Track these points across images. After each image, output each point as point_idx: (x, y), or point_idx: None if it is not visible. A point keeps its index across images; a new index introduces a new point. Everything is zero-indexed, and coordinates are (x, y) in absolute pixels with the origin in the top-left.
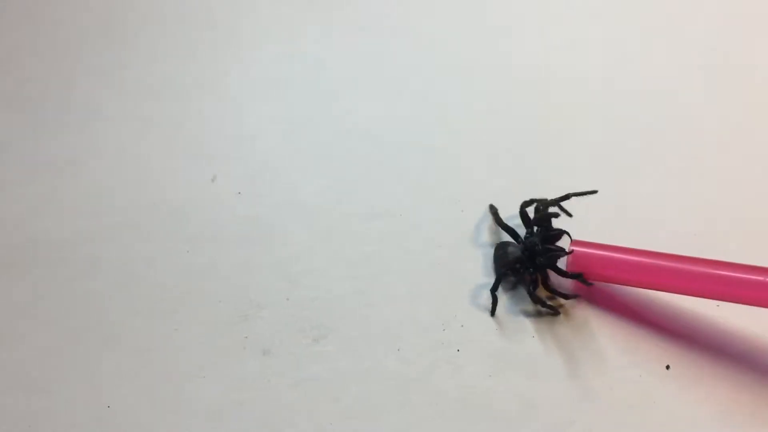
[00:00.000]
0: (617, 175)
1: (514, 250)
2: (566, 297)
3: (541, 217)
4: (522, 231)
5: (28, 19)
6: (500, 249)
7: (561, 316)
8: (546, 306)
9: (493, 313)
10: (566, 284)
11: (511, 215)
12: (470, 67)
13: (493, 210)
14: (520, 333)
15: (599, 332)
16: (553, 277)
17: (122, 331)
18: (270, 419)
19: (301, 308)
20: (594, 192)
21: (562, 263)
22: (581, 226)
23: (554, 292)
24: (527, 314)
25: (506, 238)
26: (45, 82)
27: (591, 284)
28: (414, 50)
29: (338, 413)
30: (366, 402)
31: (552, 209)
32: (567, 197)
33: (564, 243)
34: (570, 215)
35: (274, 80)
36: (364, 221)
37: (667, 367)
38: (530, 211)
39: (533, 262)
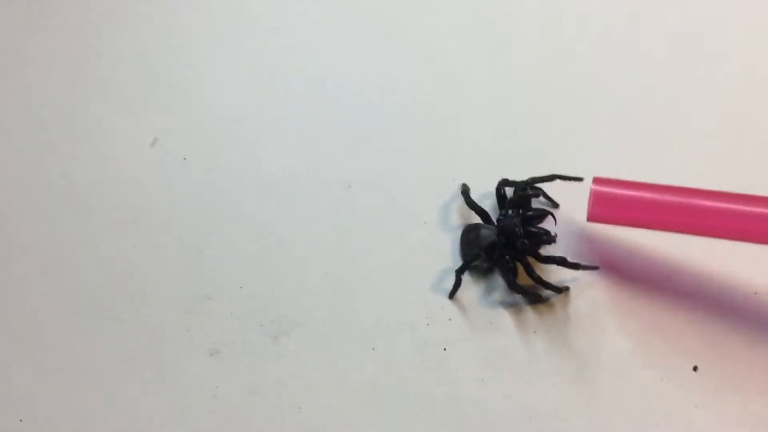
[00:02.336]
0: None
1: (488, 233)
2: (557, 290)
3: (519, 198)
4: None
5: None
6: (471, 232)
7: (567, 309)
8: (528, 295)
9: (451, 295)
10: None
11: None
12: (471, 18)
13: (465, 189)
14: (518, 329)
15: (612, 327)
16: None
17: (41, 325)
18: None
19: (258, 299)
20: (579, 179)
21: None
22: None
23: (541, 284)
24: (526, 306)
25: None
26: None
27: (578, 268)
28: None
29: (301, 426)
30: (335, 412)
31: (532, 191)
32: (551, 178)
33: (548, 225)
34: (555, 204)
35: (231, 17)
36: (336, 193)
37: (695, 369)
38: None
39: (512, 248)
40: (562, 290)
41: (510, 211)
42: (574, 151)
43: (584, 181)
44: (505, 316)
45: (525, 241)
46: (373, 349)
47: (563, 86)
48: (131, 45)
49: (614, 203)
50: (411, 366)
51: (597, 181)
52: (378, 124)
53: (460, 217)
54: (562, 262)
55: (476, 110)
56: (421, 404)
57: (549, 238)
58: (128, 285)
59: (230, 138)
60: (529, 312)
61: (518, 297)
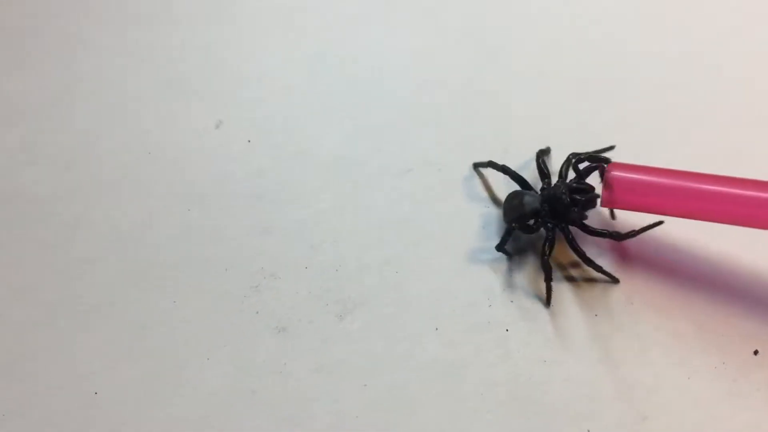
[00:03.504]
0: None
1: (532, 200)
2: (608, 275)
3: (575, 165)
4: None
5: None
6: (515, 198)
7: (629, 292)
8: (548, 285)
9: (499, 248)
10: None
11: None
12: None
13: (502, 166)
14: (580, 311)
15: (675, 311)
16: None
17: (111, 305)
18: (286, 409)
19: (323, 279)
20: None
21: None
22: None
23: (585, 260)
24: (590, 287)
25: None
26: (22, 7)
27: (631, 235)
28: None
29: (366, 403)
30: (399, 390)
31: (599, 156)
32: (597, 156)
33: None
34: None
35: (289, 7)
36: (397, 176)
37: (755, 353)
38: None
39: (556, 216)
40: (606, 274)
41: (555, 181)
42: (622, 127)
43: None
44: (566, 299)
45: (575, 209)
46: (436, 329)
47: (612, 62)
48: (195, 36)
49: (629, 188)
50: (473, 346)
51: (612, 166)
52: (437, 107)
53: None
54: (616, 236)
55: (529, 90)
56: (483, 384)
57: (595, 201)
58: (195, 264)
59: (291, 121)
60: (591, 294)
61: (582, 278)
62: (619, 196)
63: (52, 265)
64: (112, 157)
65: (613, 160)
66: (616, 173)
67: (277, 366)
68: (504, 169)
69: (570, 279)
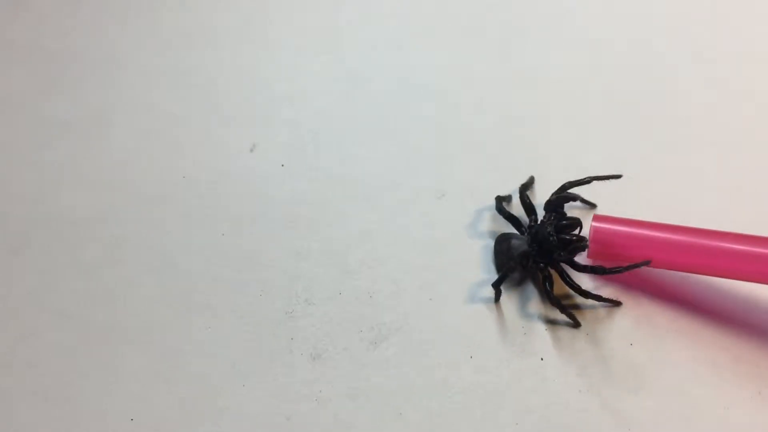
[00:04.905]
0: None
1: (519, 244)
2: (609, 301)
3: (555, 200)
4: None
5: None
6: (503, 242)
7: (665, 320)
8: (566, 312)
9: (496, 299)
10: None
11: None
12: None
13: (498, 199)
14: (616, 340)
15: (711, 341)
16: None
17: (148, 329)
18: None
19: (357, 304)
20: (618, 176)
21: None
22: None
23: (581, 293)
24: (623, 316)
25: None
26: (62, 29)
27: (616, 271)
28: None
29: (402, 431)
30: (435, 418)
31: (569, 193)
32: (588, 181)
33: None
34: (593, 205)
35: (324, 28)
36: (431, 201)
37: None
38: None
39: (545, 256)
40: (607, 300)
41: (541, 216)
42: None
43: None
44: (602, 327)
45: (561, 252)
46: (471, 357)
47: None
48: (230, 58)
49: (614, 241)
50: (508, 374)
51: (597, 218)
52: (475, 128)
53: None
54: (599, 270)
55: (559, 110)
56: (519, 412)
57: (584, 245)
58: (230, 288)
59: (326, 143)
60: (626, 323)
61: (613, 308)
62: (602, 250)
63: (88, 289)
64: (148, 181)
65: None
66: (599, 225)
67: (311, 392)
68: (499, 209)
69: (603, 308)
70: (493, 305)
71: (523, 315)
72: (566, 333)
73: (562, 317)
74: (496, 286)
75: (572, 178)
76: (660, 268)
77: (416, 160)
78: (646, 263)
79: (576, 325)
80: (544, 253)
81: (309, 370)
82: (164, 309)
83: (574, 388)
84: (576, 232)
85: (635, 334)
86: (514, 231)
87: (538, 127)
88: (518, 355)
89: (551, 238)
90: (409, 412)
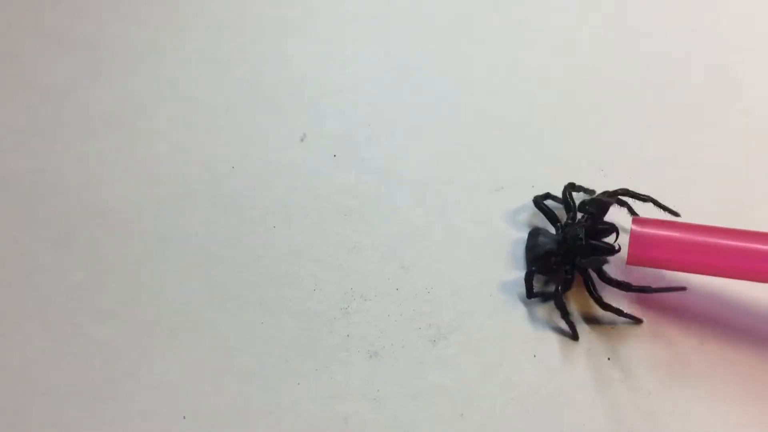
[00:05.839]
0: None
1: (546, 241)
2: (629, 317)
3: (592, 202)
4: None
5: None
6: (533, 237)
7: (738, 319)
8: (568, 322)
9: (528, 295)
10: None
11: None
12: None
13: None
14: (685, 338)
15: None
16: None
17: (198, 325)
18: None
19: (415, 301)
20: (676, 214)
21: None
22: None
23: (609, 309)
24: (693, 316)
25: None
26: (104, 18)
27: (644, 290)
28: None
29: None
30: (498, 420)
31: (609, 199)
32: (623, 193)
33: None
34: (634, 213)
35: (375, 15)
36: (488, 194)
37: None
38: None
39: (570, 259)
40: (633, 320)
41: (579, 216)
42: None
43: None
44: (671, 327)
45: (583, 259)
46: (534, 356)
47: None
48: (277, 48)
49: (655, 245)
50: (573, 374)
51: (636, 221)
52: (528, 121)
53: (615, 219)
54: (625, 287)
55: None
56: (586, 413)
57: (612, 254)
58: (282, 283)
59: (378, 134)
60: (696, 322)
61: (685, 309)
62: (643, 254)
63: (136, 284)
64: (196, 173)
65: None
66: (641, 229)
67: (370, 392)
68: (536, 202)
69: (670, 306)
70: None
71: (588, 314)
72: (633, 332)
73: (623, 319)
74: (528, 280)
75: (632, 174)
76: (710, 275)
77: (471, 153)
78: (681, 289)
79: (574, 337)
80: (570, 255)
81: (366, 369)
82: (214, 304)
83: (642, 389)
84: (611, 239)
85: (705, 333)
86: (550, 226)
87: (595, 121)
88: (583, 354)
89: (579, 242)
90: (471, 412)
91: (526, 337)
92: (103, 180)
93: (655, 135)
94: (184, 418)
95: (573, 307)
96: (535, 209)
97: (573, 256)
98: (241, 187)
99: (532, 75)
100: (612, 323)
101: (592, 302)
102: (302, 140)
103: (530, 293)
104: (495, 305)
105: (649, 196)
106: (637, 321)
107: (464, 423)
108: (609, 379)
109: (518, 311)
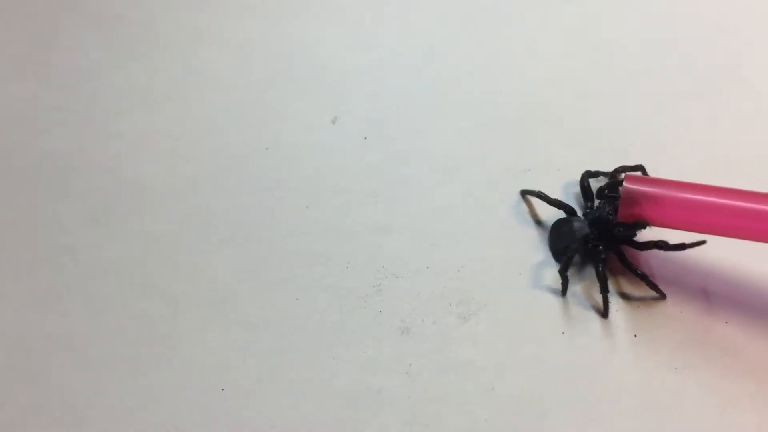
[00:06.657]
0: None
1: (581, 226)
2: (657, 290)
3: (608, 186)
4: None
5: None
6: (564, 225)
7: (762, 298)
8: (605, 297)
9: (564, 293)
10: None
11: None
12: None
13: (536, 193)
14: (710, 318)
15: None
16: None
17: (234, 301)
18: (412, 410)
19: (445, 279)
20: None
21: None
22: None
23: (639, 276)
24: (716, 295)
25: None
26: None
27: (679, 248)
28: None
29: (494, 406)
30: (528, 394)
31: (617, 179)
32: (638, 168)
33: None
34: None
35: (401, 3)
36: (516, 175)
37: None
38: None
39: (606, 238)
40: (660, 295)
41: (598, 202)
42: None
43: None
44: (696, 305)
45: (621, 228)
46: (563, 333)
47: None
48: (312, 29)
49: (644, 201)
50: (601, 352)
51: (629, 179)
52: (555, 105)
53: None
54: (663, 245)
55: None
56: (613, 390)
57: (645, 222)
58: (315, 261)
59: (409, 116)
60: (721, 300)
61: (707, 287)
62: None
63: (172, 259)
64: (229, 152)
65: None
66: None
67: (402, 366)
68: (540, 195)
69: (695, 286)
70: (582, 281)
71: (615, 292)
72: (659, 310)
73: (652, 293)
74: (563, 272)
75: (650, 155)
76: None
77: (500, 134)
78: (703, 242)
79: (605, 314)
80: (604, 234)
81: (398, 344)
82: (249, 281)
83: (669, 366)
84: None
85: (730, 313)
86: (573, 216)
87: (620, 103)
88: (610, 332)
89: (611, 217)
90: (502, 387)
91: (554, 314)
92: (139, 159)
93: (679, 117)
94: (223, 390)
95: (596, 289)
96: (564, 190)
97: (606, 236)
98: (274, 167)
99: (554, 58)
100: (640, 299)
101: (616, 282)
102: (334, 123)
103: (566, 289)
104: (524, 283)
105: (639, 165)
106: (662, 296)
107: (494, 396)
108: (636, 355)
109: (546, 290)
